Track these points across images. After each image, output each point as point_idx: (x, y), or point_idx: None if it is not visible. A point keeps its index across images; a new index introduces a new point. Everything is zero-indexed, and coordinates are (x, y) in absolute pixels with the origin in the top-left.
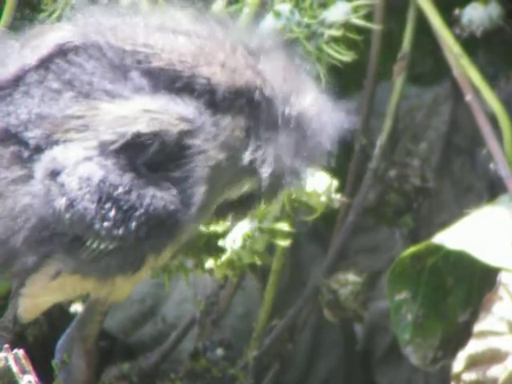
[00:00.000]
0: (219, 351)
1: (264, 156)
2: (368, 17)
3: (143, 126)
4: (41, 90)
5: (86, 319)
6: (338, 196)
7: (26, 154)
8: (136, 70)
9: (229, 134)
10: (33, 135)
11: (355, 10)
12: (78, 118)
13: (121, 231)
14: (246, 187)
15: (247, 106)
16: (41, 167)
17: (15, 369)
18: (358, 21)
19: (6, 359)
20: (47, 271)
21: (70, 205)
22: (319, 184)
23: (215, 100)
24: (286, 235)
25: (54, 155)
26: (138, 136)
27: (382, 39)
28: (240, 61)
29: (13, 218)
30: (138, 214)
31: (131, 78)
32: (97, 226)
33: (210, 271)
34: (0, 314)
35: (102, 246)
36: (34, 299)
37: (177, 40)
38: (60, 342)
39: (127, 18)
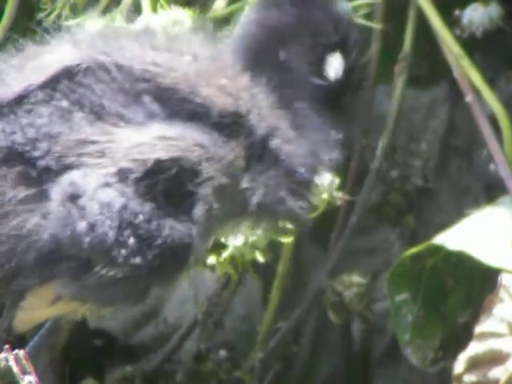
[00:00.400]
0: (222, 353)
1: (256, 187)
2: (368, 17)
3: (162, 154)
4: (49, 108)
5: (55, 327)
6: (339, 194)
7: (33, 173)
8: (147, 93)
9: (231, 161)
10: (41, 154)
11: (355, 9)
12: (93, 142)
13: (137, 260)
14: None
15: (244, 133)
16: (58, 190)
17: (16, 369)
18: (358, 21)
19: (7, 360)
20: (46, 294)
21: (91, 229)
22: (321, 181)
23: (219, 124)
24: (288, 232)
25: (73, 179)
26: (158, 164)
27: (381, 40)
28: (240, 85)
29: (20, 238)
30: (156, 244)
31: (143, 103)
32: (114, 253)
33: (212, 268)
34: None
35: (111, 273)
36: (31, 312)
37: (183, 61)
38: (27, 350)
39: (134, 39)
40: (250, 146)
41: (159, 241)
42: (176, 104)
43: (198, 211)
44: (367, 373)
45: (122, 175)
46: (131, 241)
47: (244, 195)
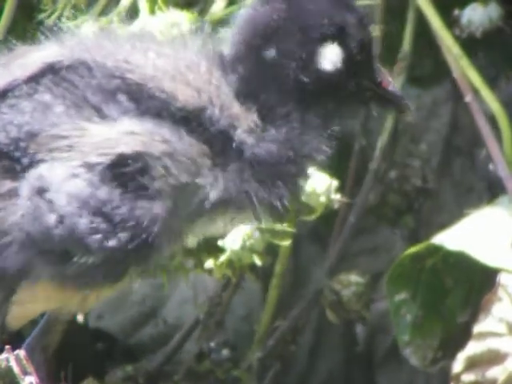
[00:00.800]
0: (224, 352)
1: (216, 182)
2: (368, 17)
3: (126, 148)
4: (31, 103)
5: (48, 328)
6: (337, 196)
7: (18, 168)
8: (122, 91)
9: (194, 156)
10: (23, 153)
11: None
12: (64, 137)
13: (111, 243)
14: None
15: (207, 126)
16: (26, 185)
17: (16, 370)
18: None
19: (8, 360)
20: (37, 290)
21: (60, 221)
22: (319, 184)
23: (183, 119)
24: (285, 235)
25: (40, 173)
26: (121, 157)
27: (381, 40)
28: (205, 80)
29: (2, 233)
30: (128, 225)
31: (118, 100)
32: (87, 240)
33: (210, 271)
34: None
35: (91, 260)
36: (22, 307)
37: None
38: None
39: (113, 40)
40: (212, 138)
41: (131, 222)
42: (145, 100)
43: (160, 204)
44: (370, 373)
45: (88, 167)
46: (102, 226)
47: (205, 190)
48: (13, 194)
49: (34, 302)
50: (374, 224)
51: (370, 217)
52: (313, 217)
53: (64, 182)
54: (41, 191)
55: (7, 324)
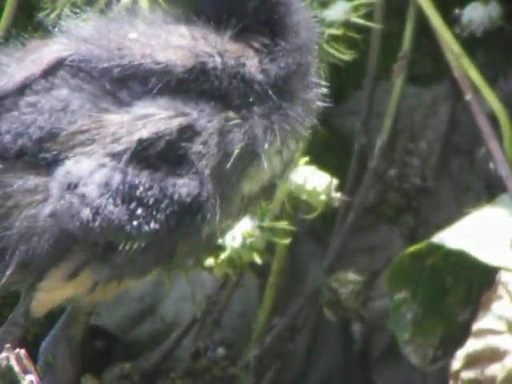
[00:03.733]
0: (220, 350)
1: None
2: (368, 16)
3: (145, 131)
4: (50, 100)
5: (71, 320)
6: (337, 194)
7: (43, 163)
8: (133, 78)
9: (221, 121)
10: (46, 153)
11: (355, 9)
12: (83, 132)
13: (151, 226)
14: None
15: (219, 82)
16: (55, 183)
17: (17, 368)
18: (358, 20)
19: (8, 359)
20: (63, 273)
21: (96, 213)
22: (319, 182)
23: (190, 83)
24: (286, 233)
25: (67, 169)
26: (140, 142)
27: (381, 39)
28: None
29: (33, 228)
30: (164, 205)
31: (130, 86)
32: (127, 228)
33: (210, 269)
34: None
35: (135, 246)
36: (50, 293)
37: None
38: (44, 344)
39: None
40: (228, 91)
41: (166, 201)
42: (149, 79)
43: (191, 177)
44: (367, 371)
45: (113, 156)
46: (139, 211)
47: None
48: (40, 189)
49: (60, 288)
50: (372, 222)
51: (368, 215)
52: (312, 215)
53: (92, 174)
54: (71, 187)
55: (32, 311)
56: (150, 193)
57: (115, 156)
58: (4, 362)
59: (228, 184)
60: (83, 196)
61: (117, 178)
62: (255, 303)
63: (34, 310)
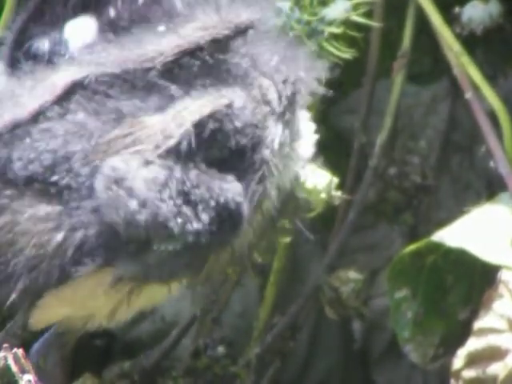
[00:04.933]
0: (220, 349)
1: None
2: (368, 14)
3: (193, 117)
4: (64, 125)
5: (67, 328)
6: (338, 193)
7: (53, 190)
8: (159, 78)
9: (256, 103)
10: (59, 177)
11: (355, 7)
12: (125, 136)
13: (195, 226)
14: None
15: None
16: (101, 178)
17: (15, 368)
18: (358, 18)
19: (6, 359)
20: (64, 293)
21: (143, 205)
22: (319, 181)
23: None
24: (286, 232)
25: (113, 165)
26: (194, 128)
27: (381, 37)
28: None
29: (43, 256)
30: (209, 206)
31: (160, 89)
32: (171, 224)
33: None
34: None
35: (170, 248)
36: (48, 310)
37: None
38: (36, 346)
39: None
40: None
41: (212, 203)
42: (182, 75)
43: (245, 163)
44: (367, 370)
45: (160, 152)
46: (184, 209)
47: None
48: (50, 217)
49: (60, 306)
50: (372, 221)
51: (368, 214)
52: (312, 214)
53: (139, 169)
54: (118, 181)
55: (29, 326)
56: (197, 192)
57: (164, 153)
58: (2, 362)
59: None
60: (130, 189)
61: (165, 173)
62: (255, 302)
63: (32, 324)
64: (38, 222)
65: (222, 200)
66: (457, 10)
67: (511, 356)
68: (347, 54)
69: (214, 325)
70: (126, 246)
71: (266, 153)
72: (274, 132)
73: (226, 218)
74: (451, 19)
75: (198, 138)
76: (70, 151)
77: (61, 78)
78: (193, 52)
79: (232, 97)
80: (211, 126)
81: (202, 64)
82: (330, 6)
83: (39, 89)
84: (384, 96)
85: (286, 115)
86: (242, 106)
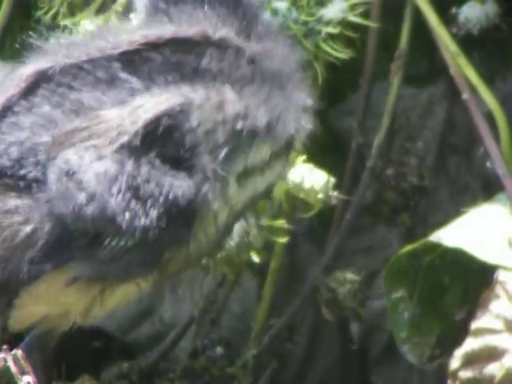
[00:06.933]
0: (218, 350)
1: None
2: (365, 15)
3: (147, 115)
4: (31, 118)
5: (46, 330)
6: (335, 193)
7: (22, 184)
8: (122, 70)
9: (214, 105)
10: (28, 171)
11: (352, 7)
12: (82, 130)
13: (142, 221)
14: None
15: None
16: (54, 169)
17: (14, 369)
18: (354, 19)
19: (5, 360)
20: (63, 278)
21: (91, 198)
22: (317, 181)
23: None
24: (283, 232)
25: (67, 157)
26: (146, 126)
27: (378, 39)
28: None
29: (13, 248)
30: (158, 202)
31: (122, 81)
32: (119, 218)
33: (207, 268)
34: None
35: (122, 243)
36: (26, 310)
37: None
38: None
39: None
40: (232, 65)
41: (161, 199)
42: (145, 68)
43: (196, 161)
44: (365, 371)
45: (113, 147)
46: (133, 204)
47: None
48: (19, 210)
49: (36, 305)
50: (370, 222)
51: (366, 215)
52: (310, 214)
53: (91, 163)
54: (69, 173)
55: (8, 327)
56: (146, 187)
57: (118, 148)
58: (1, 363)
59: (222, 192)
60: (80, 182)
61: (116, 168)
62: (253, 303)
63: (11, 326)
64: (8, 215)
65: (171, 196)
66: (454, 10)
67: (508, 356)
68: (344, 54)
69: (213, 326)
70: (77, 243)
71: (216, 156)
72: (227, 138)
73: (176, 215)
74: (448, 20)
75: (152, 135)
76: (37, 143)
77: (28, 69)
78: (156, 46)
79: (191, 96)
80: (165, 124)
81: (165, 59)
82: (327, 7)
83: (7, 82)
84: (381, 97)
85: (240, 126)
86: (199, 106)
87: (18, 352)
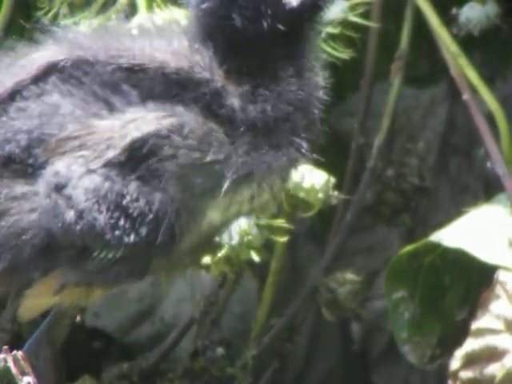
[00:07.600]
0: (219, 350)
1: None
2: (366, 15)
3: (135, 134)
4: (40, 105)
5: (55, 322)
6: (335, 193)
7: (30, 170)
8: (125, 82)
9: (202, 131)
10: (36, 159)
11: (353, 8)
12: (74, 138)
13: (132, 238)
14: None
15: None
16: (43, 182)
17: (14, 370)
18: (355, 19)
19: (5, 360)
20: (52, 282)
21: (80, 216)
22: (317, 180)
23: (182, 90)
24: (283, 232)
25: (57, 169)
26: (132, 144)
27: (379, 39)
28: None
29: (16, 235)
30: (147, 219)
31: (123, 90)
32: (107, 236)
33: (207, 268)
34: None
35: (110, 256)
36: (37, 299)
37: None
38: (27, 345)
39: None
40: (217, 108)
41: (150, 216)
42: (142, 79)
43: (172, 184)
44: (366, 371)
45: (103, 162)
46: (122, 221)
47: (221, 167)
48: (27, 196)
49: (48, 295)
50: (370, 223)
51: (366, 215)
52: (310, 213)
53: (81, 178)
54: (58, 188)
55: (18, 316)
56: (135, 204)
57: (107, 163)
58: (1, 364)
59: (209, 205)
60: (69, 198)
61: (105, 185)
62: (254, 303)
63: (21, 316)
64: (15, 201)
65: (160, 214)
66: (454, 11)
67: (508, 356)
68: (345, 54)
69: (213, 326)
70: (65, 253)
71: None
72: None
73: (165, 230)
74: (449, 20)
75: (139, 151)
76: (45, 133)
77: (40, 57)
78: (162, 64)
79: (183, 118)
80: (153, 143)
81: (167, 77)
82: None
83: (17, 66)
84: (382, 98)
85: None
86: (190, 130)
87: (19, 353)
